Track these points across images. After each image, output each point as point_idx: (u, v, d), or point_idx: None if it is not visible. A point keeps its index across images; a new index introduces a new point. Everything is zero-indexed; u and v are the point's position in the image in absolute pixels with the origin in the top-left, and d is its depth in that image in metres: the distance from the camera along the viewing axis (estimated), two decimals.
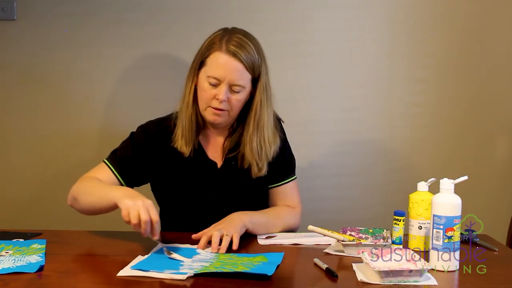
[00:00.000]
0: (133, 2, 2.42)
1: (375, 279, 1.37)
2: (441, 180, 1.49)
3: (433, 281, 1.38)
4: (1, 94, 2.46)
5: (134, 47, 2.43)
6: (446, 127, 2.49)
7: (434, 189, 1.55)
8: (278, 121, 1.91)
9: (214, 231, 1.62)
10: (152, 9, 2.42)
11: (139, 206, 1.54)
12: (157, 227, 1.54)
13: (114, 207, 1.63)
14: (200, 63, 1.78)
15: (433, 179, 1.63)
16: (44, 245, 1.60)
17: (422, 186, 1.65)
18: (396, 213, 1.64)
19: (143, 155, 1.83)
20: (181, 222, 1.84)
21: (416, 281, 1.37)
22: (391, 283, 1.35)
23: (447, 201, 1.46)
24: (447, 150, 2.50)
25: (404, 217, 1.64)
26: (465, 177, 1.51)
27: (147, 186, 1.92)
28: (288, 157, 1.94)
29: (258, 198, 1.89)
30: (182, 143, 1.80)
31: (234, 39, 1.74)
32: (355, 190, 2.49)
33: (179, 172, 1.84)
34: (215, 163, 1.86)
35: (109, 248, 1.65)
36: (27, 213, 2.47)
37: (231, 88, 1.74)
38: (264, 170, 1.84)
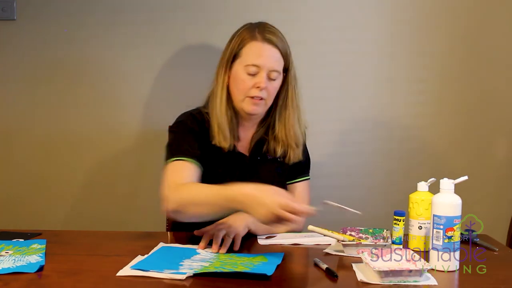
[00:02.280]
0: (134, 2, 2.42)
1: (375, 279, 1.37)
2: (441, 180, 1.49)
3: (433, 281, 1.38)
4: (1, 94, 2.46)
5: (135, 47, 2.43)
6: (447, 127, 2.48)
7: (434, 189, 1.55)
8: None
9: (216, 231, 1.62)
10: (153, 9, 2.42)
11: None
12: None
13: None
14: (233, 57, 1.82)
15: (433, 179, 1.63)
16: (44, 245, 1.60)
17: (422, 186, 1.65)
18: (396, 213, 1.64)
19: (199, 140, 1.81)
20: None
21: (416, 281, 1.37)
22: (391, 283, 1.35)
23: (447, 201, 1.46)
24: (447, 150, 2.49)
25: (404, 217, 1.64)
26: (465, 177, 1.51)
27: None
28: (305, 156, 1.96)
29: None
30: (220, 139, 1.81)
31: (267, 28, 1.82)
32: (355, 190, 2.48)
33: (210, 164, 1.83)
34: (244, 156, 1.88)
35: (109, 248, 1.65)
36: (27, 213, 2.47)
37: (269, 75, 1.79)
38: (301, 155, 1.89)
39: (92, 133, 2.46)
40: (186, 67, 2.43)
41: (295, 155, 1.89)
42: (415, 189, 1.66)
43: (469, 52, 2.46)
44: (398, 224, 1.64)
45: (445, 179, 1.48)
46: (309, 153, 2.02)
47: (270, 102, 1.84)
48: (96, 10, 2.42)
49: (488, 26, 2.45)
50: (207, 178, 1.81)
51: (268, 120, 1.90)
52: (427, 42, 2.45)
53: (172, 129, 1.87)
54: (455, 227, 1.45)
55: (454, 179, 1.49)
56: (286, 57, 1.84)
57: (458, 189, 1.48)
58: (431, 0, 2.44)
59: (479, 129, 2.49)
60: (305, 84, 2.42)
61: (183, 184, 1.67)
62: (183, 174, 1.72)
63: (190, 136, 1.81)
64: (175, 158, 1.74)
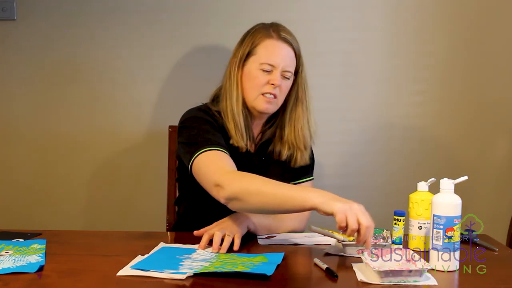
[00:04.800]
0: (134, 2, 2.42)
1: (375, 279, 1.37)
2: (441, 180, 1.49)
3: (433, 281, 1.38)
4: (1, 94, 2.46)
5: (134, 47, 2.43)
6: (447, 127, 2.49)
7: (434, 189, 1.55)
8: None
9: (216, 231, 1.62)
10: (153, 9, 2.42)
11: (357, 210, 1.45)
12: (370, 233, 1.45)
13: (306, 209, 1.52)
14: (246, 55, 1.81)
15: (433, 179, 1.63)
16: (44, 245, 1.60)
17: (422, 186, 1.65)
18: (396, 213, 1.64)
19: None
20: (206, 214, 1.77)
21: (416, 281, 1.37)
22: (391, 283, 1.35)
23: (447, 201, 1.46)
24: (447, 150, 2.49)
25: (404, 217, 1.64)
26: (465, 177, 1.50)
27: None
28: (310, 157, 1.95)
29: None
30: (238, 138, 1.80)
31: (281, 28, 1.83)
32: (356, 190, 2.48)
33: None
34: (252, 155, 1.86)
35: (109, 248, 1.65)
36: (27, 213, 2.47)
37: (283, 74, 1.80)
38: (307, 158, 1.89)
39: (93, 133, 2.46)
40: (186, 67, 2.43)
41: (302, 158, 1.88)
42: (415, 189, 1.66)
43: (470, 53, 2.46)
44: (398, 224, 1.64)
45: (445, 179, 1.48)
46: None
47: (281, 101, 1.84)
48: (97, 10, 2.42)
49: (490, 27, 2.45)
50: None
51: (277, 122, 1.89)
52: (429, 42, 2.45)
53: (188, 124, 1.79)
54: (455, 227, 1.45)
55: (454, 179, 1.49)
56: (298, 57, 1.85)
57: (458, 189, 1.48)
58: (433, 0, 2.44)
59: (480, 129, 2.49)
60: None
61: (242, 173, 1.62)
62: (228, 162, 1.68)
63: (212, 129, 1.77)
64: (208, 149, 1.68)
